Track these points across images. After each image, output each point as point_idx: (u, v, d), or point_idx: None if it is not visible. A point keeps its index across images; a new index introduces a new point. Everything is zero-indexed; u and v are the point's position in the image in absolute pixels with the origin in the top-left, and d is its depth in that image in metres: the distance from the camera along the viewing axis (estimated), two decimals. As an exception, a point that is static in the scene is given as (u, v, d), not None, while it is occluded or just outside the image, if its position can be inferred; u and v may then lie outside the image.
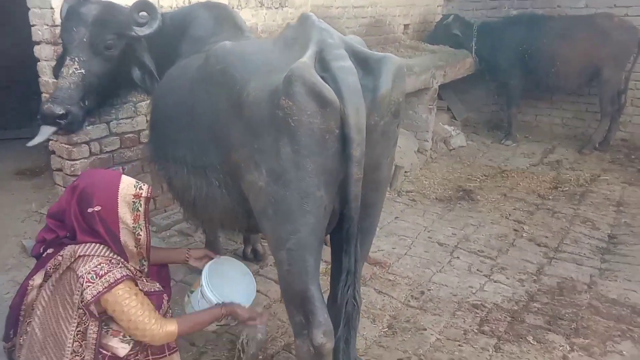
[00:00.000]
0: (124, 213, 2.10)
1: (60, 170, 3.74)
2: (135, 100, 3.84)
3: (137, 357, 2.24)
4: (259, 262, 3.62)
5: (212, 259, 2.59)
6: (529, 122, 7.08)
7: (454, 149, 6.31)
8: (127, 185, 2.14)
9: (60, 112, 2.62)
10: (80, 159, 3.62)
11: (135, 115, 3.91)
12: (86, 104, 2.78)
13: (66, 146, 3.57)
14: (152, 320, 2.07)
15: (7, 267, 3.52)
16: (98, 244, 2.08)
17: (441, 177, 5.41)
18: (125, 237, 2.13)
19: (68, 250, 2.09)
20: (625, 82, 5.93)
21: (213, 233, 3.40)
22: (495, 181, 5.36)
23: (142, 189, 2.15)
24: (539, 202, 4.83)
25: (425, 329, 3.01)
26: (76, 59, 2.67)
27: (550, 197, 4.96)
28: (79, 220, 2.09)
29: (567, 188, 5.18)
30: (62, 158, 3.65)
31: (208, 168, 2.18)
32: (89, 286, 2.00)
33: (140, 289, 2.15)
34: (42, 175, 4.96)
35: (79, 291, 2.02)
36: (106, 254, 2.07)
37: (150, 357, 2.30)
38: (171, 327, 2.11)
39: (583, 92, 6.48)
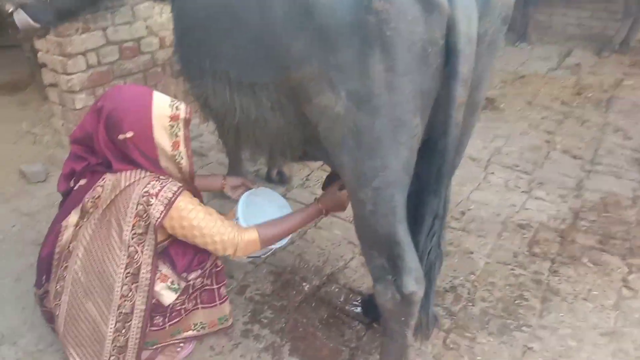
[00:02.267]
0: (161, 138, 1.80)
1: (54, 85, 3.29)
2: (132, 2, 3.34)
3: (184, 306, 2.03)
4: (284, 185, 3.36)
5: (248, 188, 2.33)
6: (542, 22, 6.63)
7: (467, 52, 5.91)
8: (161, 104, 1.80)
9: (9, 10, 2.14)
10: (77, 72, 3.18)
11: (133, 21, 3.42)
12: None
13: (60, 58, 3.11)
14: (228, 229, 1.85)
15: (7, 196, 3.19)
16: (139, 169, 1.80)
17: (460, 85, 5.06)
18: (166, 163, 1.85)
19: (109, 180, 1.80)
20: (654, -22, 5.48)
21: (237, 155, 3.08)
22: (516, 87, 5.06)
23: (180, 109, 1.83)
24: (565, 110, 4.57)
25: (472, 252, 2.84)
26: None
27: (575, 105, 4.70)
28: (110, 148, 1.79)
29: (590, 94, 4.91)
30: (56, 72, 3.20)
31: (258, 86, 1.80)
32: (150, 209, 1.75)
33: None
34: (27, 90, 4.46)
35: (130, 223, 1.77)
36: (151, 174, 1.80)
37: (199, 306, 2.09)
38: (252, 235, 1.90)
39: (604, -11, 6.02)
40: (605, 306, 2.46)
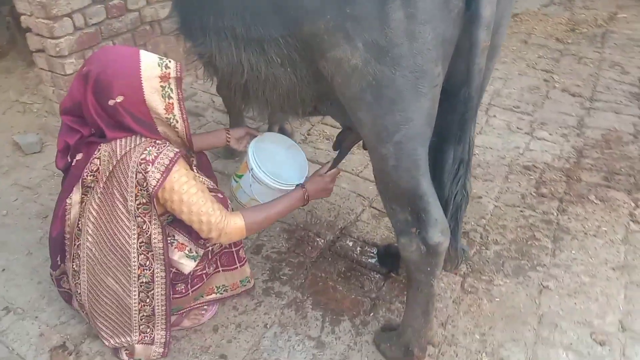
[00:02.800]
0: (154, 101, 1.69)
1: (42, 51, 3.15)
2: (114, -43, 3.17)
3: (205, 270, 2.01)
4: (287, 141, 3.30)
5: (253, 137, 2.27)
6: (532, -44, 6.46)
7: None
8: (150, 64, 1.68)
9: None
10: (65, 35, 3.04)
11: (117, -23, 3.26)
12: None
13: (45, 21, 2.97)
14: (216, 212, 1.77)
15: (4, 170, 3.11)
16: (134, 136, 1.71)
17: (453, 27, 4.97)
18: (162, 127, 1.76)
19: (104, 151, 1.72)
20: None
21: (238, 112, 3.02)
22: (510, 26, 4.97)
23: (170, 67, 1.70)
24: (561, 48, 4.53)
25: (481, 197, 2.86)
26: None
27: (570, 41, 4.65)
28: (101, 115, 1.69)
29: (585, 30, 4.87)
30: (43, 36, 3.05)
31: (267, 42, 1.72)
32: (147, 177, 1.67)
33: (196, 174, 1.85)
34: (8, 57, 4.28)
35: (133, 193, 1.70)
36: (147, 140, 1.71)
37: (220, 269, 2.08)
38: (238, 222, 1.81)
39: None
40: (614, 241, 2.51)
